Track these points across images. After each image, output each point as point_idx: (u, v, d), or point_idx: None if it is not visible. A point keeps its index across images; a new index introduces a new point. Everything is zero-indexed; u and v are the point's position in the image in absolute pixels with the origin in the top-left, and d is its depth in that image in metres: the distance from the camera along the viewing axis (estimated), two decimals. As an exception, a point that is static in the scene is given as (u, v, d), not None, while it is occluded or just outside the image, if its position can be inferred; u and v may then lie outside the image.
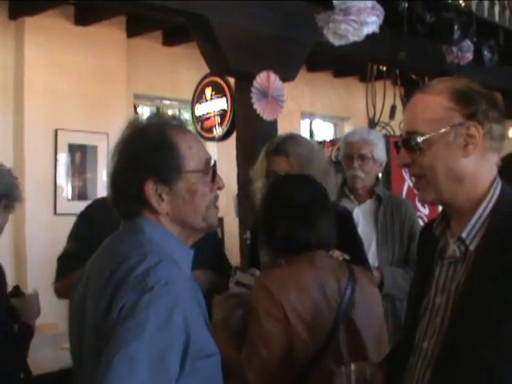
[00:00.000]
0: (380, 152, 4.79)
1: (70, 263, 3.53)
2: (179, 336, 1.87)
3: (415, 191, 2.15)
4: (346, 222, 3.57)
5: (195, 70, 7.74)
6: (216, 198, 2.21)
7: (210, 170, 2.16)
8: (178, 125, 2.18)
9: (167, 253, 2.04)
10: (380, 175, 5.16)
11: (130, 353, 1.77)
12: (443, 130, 2.00)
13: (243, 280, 3.23)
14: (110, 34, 8.03)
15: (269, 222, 2.92)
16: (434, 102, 2.03)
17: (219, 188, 2.21)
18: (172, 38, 8.76)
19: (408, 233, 4.58)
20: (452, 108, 2.01)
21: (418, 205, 7.64)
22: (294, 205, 2.87)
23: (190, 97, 7.41)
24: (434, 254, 2.16)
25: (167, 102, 9.37)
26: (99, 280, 1.97)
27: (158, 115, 2.58)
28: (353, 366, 2.31)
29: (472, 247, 2.00)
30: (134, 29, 8.30)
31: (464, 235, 2.01)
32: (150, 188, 2.05)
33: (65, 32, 7.66)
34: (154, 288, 1.85)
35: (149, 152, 2.06)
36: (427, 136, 2.02)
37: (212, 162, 2.18)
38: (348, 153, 4.77)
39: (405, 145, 2.07)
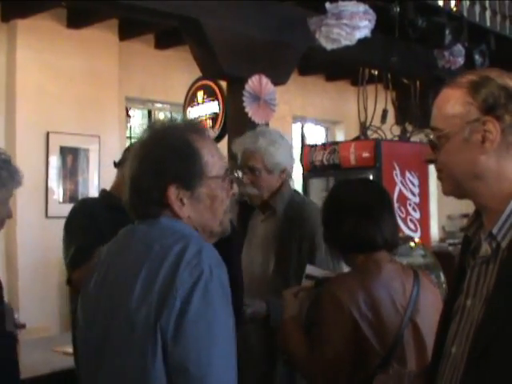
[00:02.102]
0: (275, 159, 3.95)
1: (85, 255, 3.30)
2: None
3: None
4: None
5: (187, 73, 7.74)
6: (230, 203, 2.28)
7: (227, 177, 2.22)
8: (199, 130, 2.22)
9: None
10: (293, 180, 4.49)
11: (224, 349, 1.86)
12: (458, 126, 1.93)
13: (313, 273, 3.28)
14: (102, 37, 8.03)
15: (334, 221, 2.98)
16: (454, 97, 1.96)
17: (233, 194, 2.28)
18: (164, 42, 8.76)
19: (310, 243, 3.79)
20: (469, 102, 1.93)
21: (409, 209, 7.69)
22: (360, 204, 2.96)
23: (181, 100, 7.41)
24: (467, 256, 2.08)
25: (159, 105, 9.36)
26: (134, 269, 1.96)
27: (176, 119, 2.61)
28: (391, 371, 2.36)
29: (504, 244, 1.89)
30: (127, 32, 8.30)
31: (495, 231, 1.90)
32: (173, 193, 2.07)
33: (57, 35, 7.65)
34: (209, 271, 1.88)
35: (173, 158, 2.08)
36: (443, 132, 1.96)
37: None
38: (238, 166, 4.02)
39: (428, 140, 2.01)
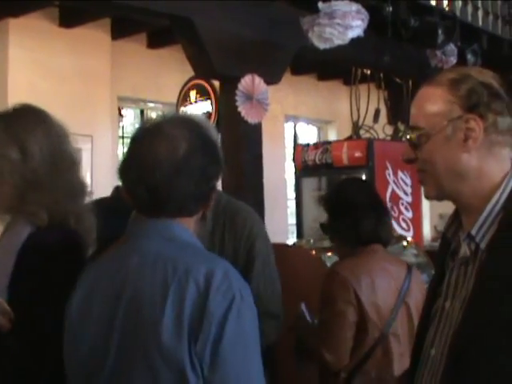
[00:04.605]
0: None
1: None
2: None
3: (421, 187, 2.11)
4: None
5: (179, 72, 7.73)
6: None
7: None
8: None
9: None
10: None
11: (259, 370, 1.88)
12: (440, 125, 1.91)
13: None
14: (94, 36, 8.01)
15: (341, 215, 3.36)
16: (435, 95, 1.94)
17: None
18: (156, 41, 8.76)
19: (246, 256, 3.21)
20: (451, 101, 1.91)
21: (402, 208, 7.71)
22: (365, 202, 3.37)
23: (174, 99, 7.42)
24: (446, 258, 2.06)
25: (151, 105, 9.35)
26: (160, 291, 1.85)
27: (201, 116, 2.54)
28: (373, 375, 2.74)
29: (483, 245, 1.87)
30: (119, 31, 8.30)
31: (473, 232, 1.88)
32: (215, 187, 2.09)
33: (49, 34, 7.64)
34: (240, 295, 1.86)
35: (216, 157, 2.07)
36: (424, 131, 1.93)
37: None
38: None
39: (407, 140, 1.99)
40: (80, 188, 2.56)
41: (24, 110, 2.54)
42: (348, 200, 3.38)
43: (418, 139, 1.95)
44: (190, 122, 2.10)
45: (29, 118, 2.51)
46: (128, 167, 2.04)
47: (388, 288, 3.24)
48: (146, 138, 2.03)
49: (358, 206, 3.33)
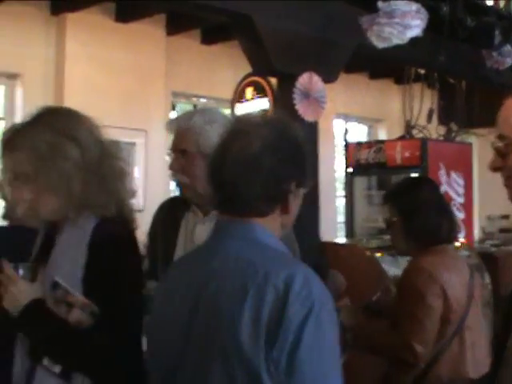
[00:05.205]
0: (212, 141, 2.82)
1: None
2: None
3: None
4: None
5: (233, 68, 7.78)
6: None
7: None
8: None
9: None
10: None
11: (337, 377, 1.84)
12: None
13: None
14: (149, 32, 8.10)
15: (415, 215, 3.43)
16: None
17: None
18: (210, 37, 8.82)
19: None
20: None
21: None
22: (439, 201, 3.54)
23: (226, 95, 7.43)
24: None
25: (204, 101, 9.39)
26: (239, 294, 1.84)
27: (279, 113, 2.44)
28: None
29: None
30: (174, 27, 8.37)
31: None
32: (292, 190, 1.99)
33: (105, 28, 7.76)
34: (320, 301, 1.82)
35: (294, 159, 2.00)
36: (509, 140, 1.95)
37: None
38: (168, 150, 3.24)
39: (495, 148, 2.00)
40: (124, 176, 2.55)
41: (53, 111, 2.51)
42: (421, 199, 3.47)
43: (506, 148, 1.96)
44: (274, 123, 2.06)
45: (63, 114, 2.50)
46: (207, 166, 2.05)
47: (460, 283, 3.38)
48: (228, 136, 2.03)
49: (432, 206, 3.45)
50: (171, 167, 3.12)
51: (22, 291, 2.28)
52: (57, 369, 2.26)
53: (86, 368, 2.28)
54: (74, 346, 2.29)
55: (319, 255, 3.26)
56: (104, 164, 2.42)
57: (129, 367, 2.27)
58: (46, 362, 2.27)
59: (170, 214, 3.28)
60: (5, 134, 2.39)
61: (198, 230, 3.14)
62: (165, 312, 2.05)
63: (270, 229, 1.99)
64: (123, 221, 2.46)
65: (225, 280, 1.89)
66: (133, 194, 2.56)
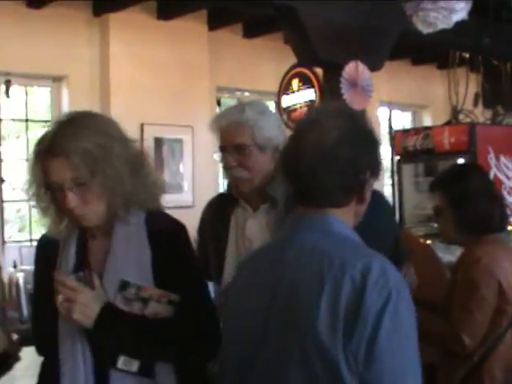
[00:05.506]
0: (266, 132, 3.02)
1: None
2: None
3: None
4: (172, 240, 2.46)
5: (275, 61, 7.78)
6: None
7: None
8: None
9: None
10: None
11: (416, 367, 1.83)
12: None
13: None
14: (191, 28, 8.14)
15: (468, 205, 3.30)
16: None
17: None
18: (252, 30, 8.82)
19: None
20: None
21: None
22: (491, 190, 3.43)
23: (270, 88, 7.44)
24: None
25: (248, 94, 9.39)
26: (317, 285, 1.83)
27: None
28: None
29: None
30: (215, 22, 8.40)
31: None
32: (368, 180, 1.98)
33: (147, 27, 7.81)
34: (397, 291, 1.80)
35: (370, 149, 1.99)
36: None
37: None
38: (220, 146, 3.10)
39: None
40: (154, 170, 2.57)
41: (84, 114, 2.47)
42: (471, 187, 3.33)
43: None
44: (347, 113, 2.07)
45: (95, 116, 2.49)
46: (280, 157, 2.06)
47: None
48: (302, 128, 2.02)
49: (482, 194, 3.31)
50: (228, 163, 3.02)
51: (90, 299, 2.26)
52: (134, 367, 2.26)
53: (176, 353, 2.32)
54: (159, 335, 2.30)
55: (394, 246, 3.19)
56: (140, 159, 2.44)
57: (215, 339, 2.27)
58: (120, 363, 2.26)
59: (219, 210, 3.26)
60: (43, 140, 2.32)
61: (249, 224, 3.11)
62: (242, 302, 2.06)
63: (345, 219, 1.98)
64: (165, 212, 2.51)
65: (301, 271, 1.89)
66: (164, 187, 2.57)
